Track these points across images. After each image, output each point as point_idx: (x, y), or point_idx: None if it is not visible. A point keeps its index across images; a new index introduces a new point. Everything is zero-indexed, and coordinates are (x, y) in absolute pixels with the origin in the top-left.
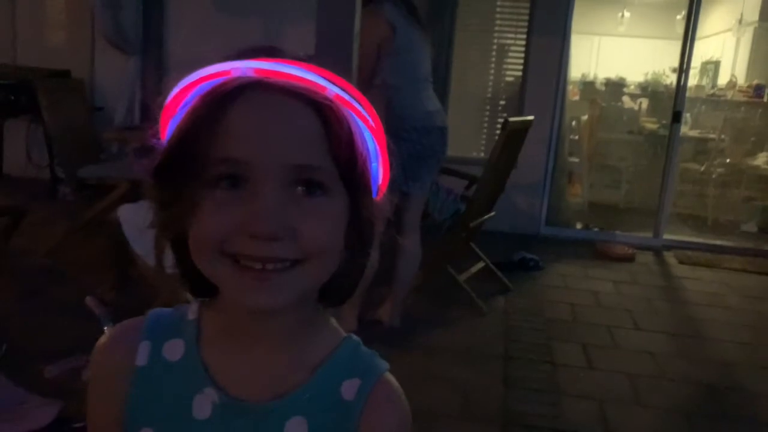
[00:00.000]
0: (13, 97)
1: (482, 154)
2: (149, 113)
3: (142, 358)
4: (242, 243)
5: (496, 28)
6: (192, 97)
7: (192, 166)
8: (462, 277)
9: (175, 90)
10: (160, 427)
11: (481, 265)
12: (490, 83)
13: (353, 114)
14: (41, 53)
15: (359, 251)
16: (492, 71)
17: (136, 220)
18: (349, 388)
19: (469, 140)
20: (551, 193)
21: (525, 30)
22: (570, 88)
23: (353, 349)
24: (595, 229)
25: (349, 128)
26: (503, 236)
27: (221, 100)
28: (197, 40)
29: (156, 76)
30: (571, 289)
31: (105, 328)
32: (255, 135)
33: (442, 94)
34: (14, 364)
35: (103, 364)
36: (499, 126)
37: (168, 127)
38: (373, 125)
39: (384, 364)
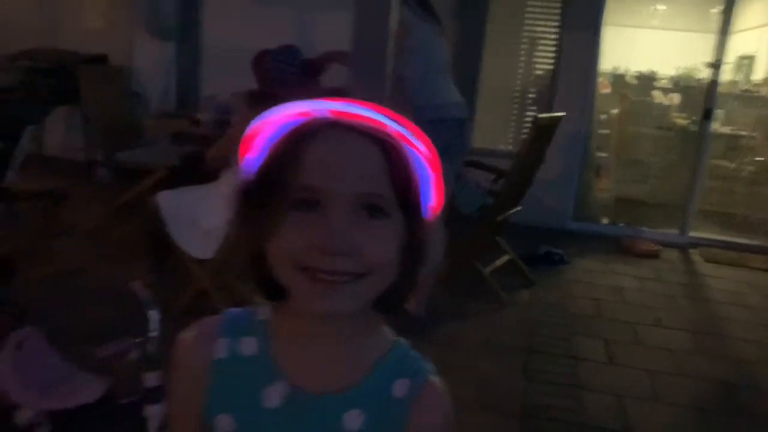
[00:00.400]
0: (55, 82)
1: (510, 147)
2: (185, 100)
3: (221, 352)
4: (315, 258)
5: (527, 21)
6: (279, 133)
7: (275, 191)
8: (487, 270)
9: (260, 121)
10: (236, 414)
11: (506, 258)
12: (520, 76)
13: (410, 147)
14: (80, 37)
15: (412, 266)
16: (522, 64)
17: (174, 206)
18: (400, 387)
19: (497, 133)
20: (579, 188)
21: (557, 23)
22: (600, 80)
23: (403, 352)
24: (621, 225)
25: (407, 161)
26: (530, 230)
27: (303, 137)
28: (233, 28)
29: (192, 62)
30: (595, 284)
31: (149, 312)
32: (330, 167)
33: (472, 86)
34: (59, 342)
35: (186, 358)
36: (528, 119)
37: (253, 156)
38: (429, 155)
39: (431, 366)
